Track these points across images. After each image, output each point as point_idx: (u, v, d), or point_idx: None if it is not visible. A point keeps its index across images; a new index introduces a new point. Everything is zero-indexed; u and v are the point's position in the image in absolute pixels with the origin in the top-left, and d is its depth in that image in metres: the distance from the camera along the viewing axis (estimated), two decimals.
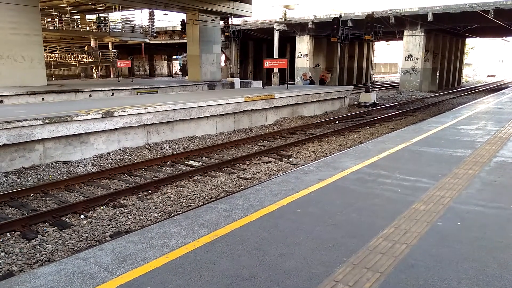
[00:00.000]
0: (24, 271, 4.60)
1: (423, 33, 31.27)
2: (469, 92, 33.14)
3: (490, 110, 13.32)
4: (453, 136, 8.51)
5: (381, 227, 3.82)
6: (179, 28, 31.08)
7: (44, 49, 22.49)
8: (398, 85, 34.80)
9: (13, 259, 4.87)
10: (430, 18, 28.75)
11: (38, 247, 5.19)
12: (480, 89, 36.85)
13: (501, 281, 2.89)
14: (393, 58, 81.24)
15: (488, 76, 66.79)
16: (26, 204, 6.75)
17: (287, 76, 22.16)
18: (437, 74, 36.23)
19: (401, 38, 33.27)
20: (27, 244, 5.27)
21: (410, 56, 32.16)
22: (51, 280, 2.88)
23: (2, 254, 5.01)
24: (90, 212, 6.38)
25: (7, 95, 15.19)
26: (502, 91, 25.21)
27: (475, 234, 3.69)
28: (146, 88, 20.26)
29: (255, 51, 44.32)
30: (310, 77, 26.17)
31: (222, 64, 34.11)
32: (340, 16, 25.59)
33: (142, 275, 2.95)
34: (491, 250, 3.37)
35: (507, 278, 2.94)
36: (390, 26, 29.64)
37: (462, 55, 45.61)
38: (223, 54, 36.08)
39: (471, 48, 75.99)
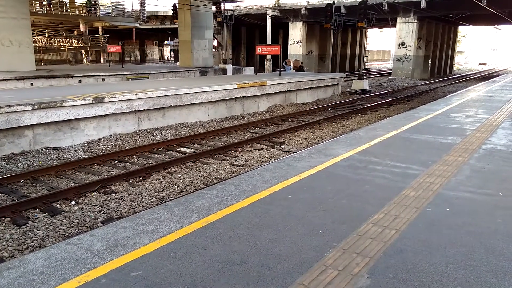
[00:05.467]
0: (15, 257, 4.58)
1: (416, 21, 31.22)
2: (460, 80, 33.31)
3: (481, 98, 13.42)
4: (444, 123, 8.57)
5: (371, 213, 3.86)
6: (170, 13, 30.64)
7: (33, 33, 22.03)
8: (391, 72, 34.84)
9: (4, 245, 4.85)
10: (423, 5, 28.65)
11: (29, 233, 5.17)
12: (472, 77, 37.05)
13: (488, 266, 2.95)
14: (386, 45, 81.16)
15: (479, 64, 67.13)
16: (16, 190, 6.69)
17: (280, 63, 22.04)
18: (429, 62, 36.30)
19: (394, 25, 33.20)
20: (18, 230, 5.24)
21: (402, 43, 32.14)
22: (41, 266, 2.87)
23: None
24: (81, 198, 6.35)
25: None
26: (493, 79, 25.39)
27: (463, 220, 3.75)
28: (137, 74, 20.04)
29: (248, 37, 43.92)
30: (290, 63, 25.98)
31: (214, 50, 33.77)
32: (334, 2, 25.36)
33: (133, 260, 2.96)
34: (478, 236, 3.43)
35: (493, 262, 3.00)
36: (384, 13, 29.53)
37: (454, 43, 45.70)
38: (215, 40, 35.71)
39: (463, 36, 76.18)
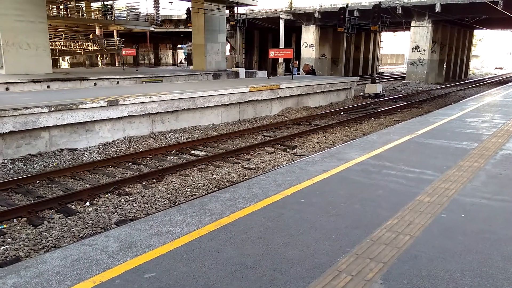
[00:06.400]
0: (31, 257, 4.66)
1: (430, 24, 30.91)
2: (476, 85, 32.84)
3: (497, 103, 13.20)
4: (459, 128, 8.46)
5: (385, 218, 3.82)
6: (184, 16, 30.95)
7: (49, 36, 22.44)
8: (404, 76, 34.52)
9: (20, 245, 4.94)
10: (438, 8, 28.38)
11: (44, 233, 5.25)
12: (488, 82, 36.50)
13: (505, 274, 2.90)
14: (400, 49, 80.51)
15: (495, 68, 66.04)
16: (32, 191, 6.82)
17: (296, 66, 22.03)
18: (444, 66, 35.87)
19: (408, 29, 32.91)
20: (34, 230, 5.33)
21: (417, 47, 31.83)
22: (57, 265, 2.92)
23: (9, 239, 5.08)
24: (95, 199, 6.44)
25: (12, 83, 15.24)
26: (510, 83, 24.95)
27: (479, 226, 3.69)
28: (151, 77, 20.25)
29: (261, 40, 44.04)
30: (297, 67, 25.97)
31: (227, 53, 33.94)
32: (347, 6, 25.32)
33: (147, 262, 2.99)
34: (495, 243, 3.37)
35: (510, 270, 2.94)
36: (397, 17, 29.31)
37: (469, 47, 45.08)
38: (228, 44, 35.88)
39: (479, 40, 75.13)
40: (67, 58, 36.31)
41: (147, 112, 10.65)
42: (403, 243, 3.32)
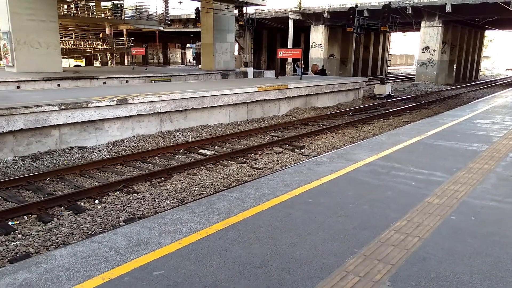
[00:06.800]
0: (41, 253, 4.72)
1: (441, 25, 30.64)
2: (486, 86, 32.48)
3: (508, 105, 13.05)
4: (469, 130, 8.38)
5: (394, 219, 3.81)
6: (193, 16, 31.05)
7: (60, 35, 22.64)
8: (414, 77, 34.27)
9: (30, 241, 5.00)
10: (448, 9, 28.13)
11: (54, 230, 5.31)
12: (499, 83, 36.07)
13: None
14: (409, 49, 79.90)
15: (507, 69, 65.18)
16: (42, 188, 6.90)
17: (301, 66, 21.96)
18: (454, 67, 35.53)
19: (418, 29, 32.67)
20: (43, 227, 5.40)
21: (426, 48, 31.57)
22: (67, 262, 2.96)
23: (19, 236, 5.14)
24: (104, 197, 6.49)
25: (24, 81, 15.41)
26: None
27: (489, 229, 3.65)
28: (159, 76, 20.34)
29: (269, 40, 44.01)
30: (303, 67, 25.91)
31: (236, 53, 33.99)
32: (356, 6, 25.19)
33: (156, 260, 3.01)
34: (505, 246, 3.34)
35: None
36: (407, 17, 29.09)
37: (480, 48, 44.60)
38: (237, 43, 35.92)
39: (490, 41, 74.22)
40: (99, 56, 37.18)
41: (156, 111, 10.71)
42: (412, 245, 3.30)
